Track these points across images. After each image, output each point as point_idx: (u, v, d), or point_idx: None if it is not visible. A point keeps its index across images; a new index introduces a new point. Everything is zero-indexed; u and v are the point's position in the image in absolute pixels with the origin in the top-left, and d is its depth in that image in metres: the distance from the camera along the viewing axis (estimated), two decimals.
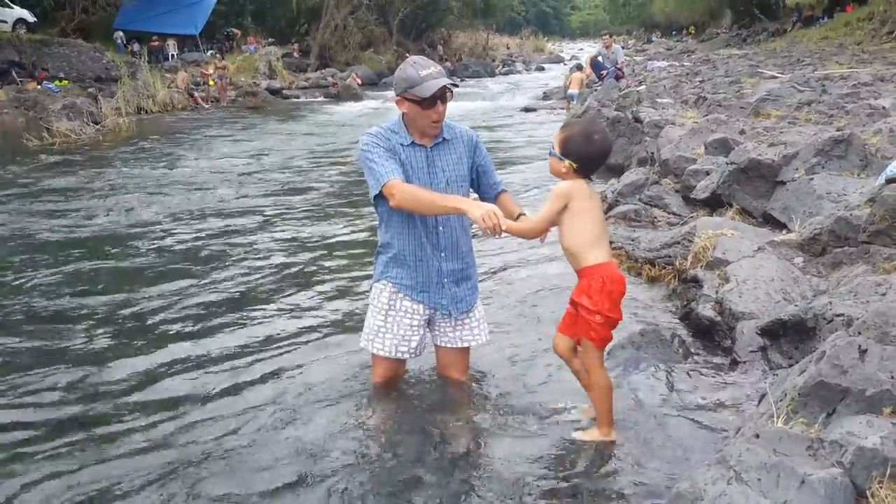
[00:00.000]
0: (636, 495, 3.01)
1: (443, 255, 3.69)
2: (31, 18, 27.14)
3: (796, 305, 4.18)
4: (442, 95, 3.49)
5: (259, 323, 5.47)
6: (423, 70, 3.47)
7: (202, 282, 6.45)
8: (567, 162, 3.24)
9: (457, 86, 3.63)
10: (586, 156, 3.22)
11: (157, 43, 31.65)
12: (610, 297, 3.24)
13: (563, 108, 21.22)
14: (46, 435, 3.83)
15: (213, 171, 12.67)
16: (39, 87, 21.71)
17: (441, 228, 3.67)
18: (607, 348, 4.16)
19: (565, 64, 37.23)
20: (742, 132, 8.22)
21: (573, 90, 22.84)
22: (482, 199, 3.82)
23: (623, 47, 26.36)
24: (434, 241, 3.67)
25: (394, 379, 4.04)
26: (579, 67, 25.11)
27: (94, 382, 4.45)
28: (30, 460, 3.58)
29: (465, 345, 3.91)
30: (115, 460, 3.55)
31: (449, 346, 3.91)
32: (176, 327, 5.39)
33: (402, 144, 3.61)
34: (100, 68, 26.02)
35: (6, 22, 26.21)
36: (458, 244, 3.74)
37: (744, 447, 2.45)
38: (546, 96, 26.29)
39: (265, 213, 9.28)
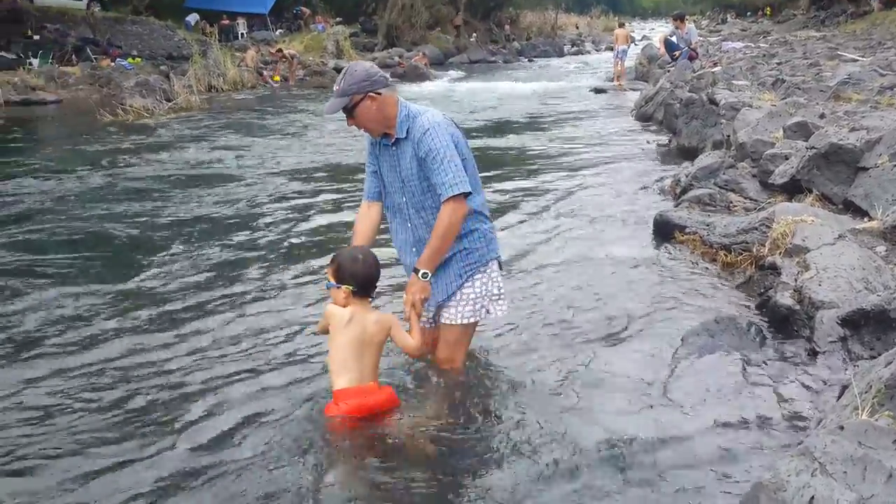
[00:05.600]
0: (713, 485, 2.97)
1: (413, 249, 3.72)
2: None
3: (879, 295, 4.06)
4: (348, 111, 3.51)
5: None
6: (336, 85, 3.54)
7: (260, 263, 6.54)
8: (345, 287, 3.43)
9: (344, 109, 3.52)
10: (358, 275, 3.43)
11: (226, 22, 32.12)
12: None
13: (633, 90, 20.90)
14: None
15: (284, 148, 12.81)
16: (113, 64, 22.20)
17: (409, 224, 3.73)
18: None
19: (636, 44, 36.58)
20: (822, 116, 7.98)
21: (622, 46, 23.43)
22: None
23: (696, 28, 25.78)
24: (406, 236, 3.76)
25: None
26: (622, 25, 25.71)
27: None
28: None
29: (444, 321, 3.82)
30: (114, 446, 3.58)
31: (435, 320, 3.91)
32: (224, 305, 5.43)
33: (381, 142, 3.71)
34: (171, 46, 26.58)
35: (81, 0, 26.90)
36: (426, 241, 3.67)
37: (828, 439, 2.39)
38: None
39: (332, 191, 9.36)
